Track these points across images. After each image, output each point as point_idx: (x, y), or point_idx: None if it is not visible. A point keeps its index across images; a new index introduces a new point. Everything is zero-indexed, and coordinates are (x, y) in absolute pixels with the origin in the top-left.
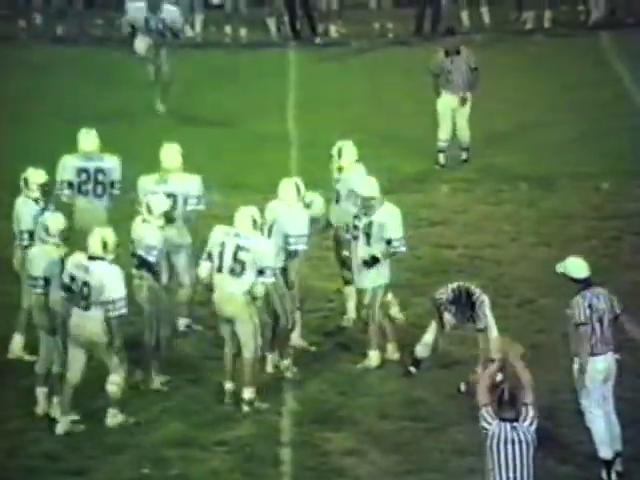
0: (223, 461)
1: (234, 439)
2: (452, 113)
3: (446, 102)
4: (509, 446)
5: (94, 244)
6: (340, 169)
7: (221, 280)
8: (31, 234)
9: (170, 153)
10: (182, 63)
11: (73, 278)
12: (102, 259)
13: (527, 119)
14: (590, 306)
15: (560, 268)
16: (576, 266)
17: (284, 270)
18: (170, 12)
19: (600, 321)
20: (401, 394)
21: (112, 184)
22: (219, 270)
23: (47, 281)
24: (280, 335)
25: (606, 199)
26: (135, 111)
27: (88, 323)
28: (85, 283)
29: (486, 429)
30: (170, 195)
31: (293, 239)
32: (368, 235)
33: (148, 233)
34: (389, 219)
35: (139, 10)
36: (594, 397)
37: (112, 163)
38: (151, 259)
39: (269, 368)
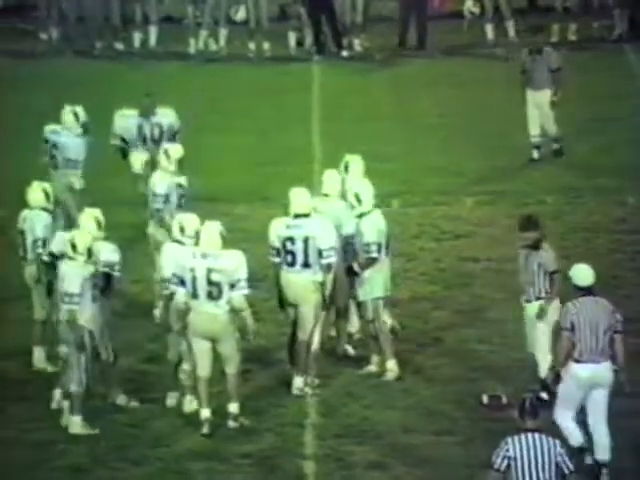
0: (246, 474)
1: (257, 452)
2: (539, 109)
3: (531, 98)
4: (533, 466)
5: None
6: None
7: (200, 305)
8: (44, 243)
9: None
10: (206, 78)
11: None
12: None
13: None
14: (577, 314)
15: (570, 273)
16: (581, 274)
17: (321, 285)
18: (166, 115)
19: (591, 330)
20: (424, 407)
21: (68, 161)
22: (195, 296)
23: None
24: (298, 350)
25: (631, 213)
26: None
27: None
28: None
29: (508, 458)
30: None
31: (326, 252)
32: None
33: (105, 248)
34: (365, 229)
35: (129, 118)
36: (573, 404)
37: (67, 139)
38: (115, 274)
39: (295, 391)
